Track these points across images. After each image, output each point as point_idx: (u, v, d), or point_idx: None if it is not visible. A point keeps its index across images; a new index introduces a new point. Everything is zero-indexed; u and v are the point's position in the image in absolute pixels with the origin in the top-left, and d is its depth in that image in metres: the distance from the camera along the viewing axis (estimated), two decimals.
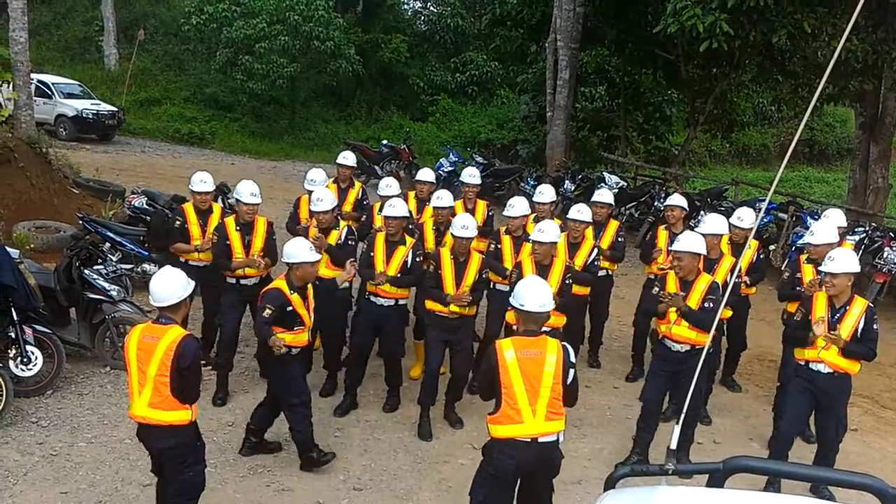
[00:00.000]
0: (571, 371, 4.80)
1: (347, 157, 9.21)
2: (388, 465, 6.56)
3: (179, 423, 4.85)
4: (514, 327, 5.15)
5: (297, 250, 6.17)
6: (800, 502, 3.59)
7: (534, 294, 4.83)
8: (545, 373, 4.66)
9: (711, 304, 6.27)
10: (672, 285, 6.50)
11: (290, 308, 6.12)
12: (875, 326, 6.05)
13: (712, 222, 7.52)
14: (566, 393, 4.82)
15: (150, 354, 4.74)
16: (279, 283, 6.18)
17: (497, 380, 4.70)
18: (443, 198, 8.18)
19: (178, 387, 4.76)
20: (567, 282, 6.96)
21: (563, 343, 4.85)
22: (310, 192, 8.20)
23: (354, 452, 6.72)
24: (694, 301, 6.37)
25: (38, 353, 7.18)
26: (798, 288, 7.17)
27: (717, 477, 3.29)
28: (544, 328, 6.64)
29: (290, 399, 6.20)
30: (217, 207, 8.17)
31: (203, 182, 7.96)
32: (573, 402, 5.07)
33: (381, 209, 8.34)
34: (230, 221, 7.55)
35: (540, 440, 4.70)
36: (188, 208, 8.05)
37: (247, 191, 7.51)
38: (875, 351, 6.10)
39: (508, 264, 7.58)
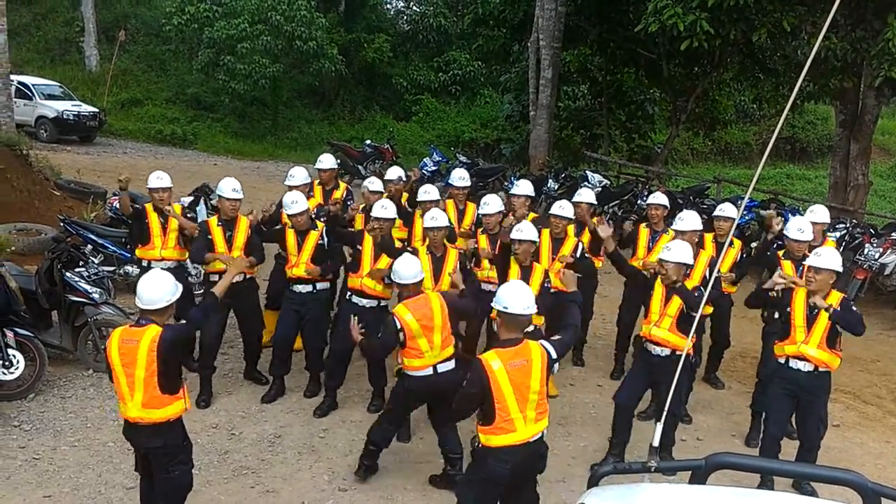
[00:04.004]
0: (555, 366, 4.87)
1: (324, 161, 9.15)
2: None
3: (175, 415, 4.85)
4: (496, 330, 5.09)
5: (411, 270, 6.07)
6: (781, 498, 3.62)
7: (518, 296, 4.77)
8: (532, 379, 4.68)
9: (698, 294, 6.28)
10: (658, 290, 6.52)
11: None
12: (854, 309, 6.09)
13: (689, 219, 7.56)
14: None
15: (133, 357, 4.69)
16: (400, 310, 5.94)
17: (489, 396, 4.65)
18: (429, 192, 8.20)
19: (163, 381, 4.73)
20: (546, 286, 6.93)
21: (543, 343, 4.85)
22: (290, 189, 8.25)
23: (339, 453, 6.71)
24: (676, 304, 6.36)
25: (19, 356, 7.11)
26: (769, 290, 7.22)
27: (700, 474, 3.30)
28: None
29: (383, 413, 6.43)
30: (177, 207, 8.12)
31: (159, 178, 7.88)
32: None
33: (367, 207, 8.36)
34: (213, 219, 7.60)
35: (531, 441, 4.75)
36: (149, 207, 7.94)
37: (228, 187, 7.54)
38: (863, 324, 6.12)
39: (485, 263, 7.61)
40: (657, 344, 6.49)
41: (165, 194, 7.89)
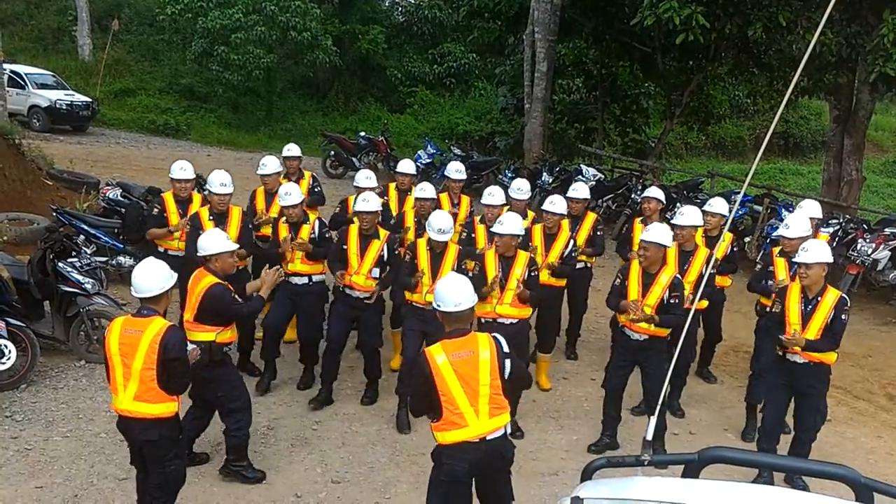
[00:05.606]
0: (508, 362, 4.64)
1: (292, 149, 9.21)
2: (366, 458, 6.55)
3: (166, 415, 4.83)
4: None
5: (211, 242, 5.90)
6: (773, 492, 3.62)
7: (448, 294, 4.70)
8: (481, 371, 4.53)
9: (676, 301, 6.32)
10: (634, 276, 6.53)
11: None
12: (843, 318, 6.06)
13: (689, 214, 7.56)
14: (516, 380, 4.74)
15: (134, 348, 4.69)
16: (209, 278, 5.84)
17: (433, 388, 4.53)
18: (426, 189, 8.20)
19: (164, 378, 4.73)
20: (532, 274, 6.85)
21: (494, 335, 4.73)
22: (262, 178, 8.41)
23: (332, 445, 6.71)
24: (655, 295, 6.40)
25: (11, 346, 7.09)
26: (769, 283, 7.22)
27: (693, 468, 3.31)
28: (512, 320, 6.75)
29: (229, 404, 5.93)
30: (197, 196, 8.13)
31: (183, 170, 7.95)
32: (528, 385, 5.40)
33: (356, 201, 8.33)
34: (204, 211, 7.57)
35: (488, 438, 4.57)
36: (167, 196, 8.04)
37: (217, 181, 7.56)
38: (838, 342, 6.12)
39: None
40: (635, 331, 6.55)
41: (189, 185, 7.98)
